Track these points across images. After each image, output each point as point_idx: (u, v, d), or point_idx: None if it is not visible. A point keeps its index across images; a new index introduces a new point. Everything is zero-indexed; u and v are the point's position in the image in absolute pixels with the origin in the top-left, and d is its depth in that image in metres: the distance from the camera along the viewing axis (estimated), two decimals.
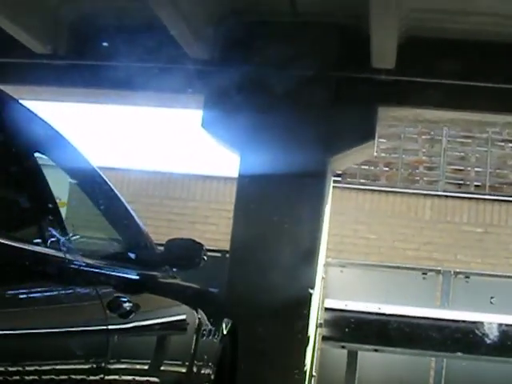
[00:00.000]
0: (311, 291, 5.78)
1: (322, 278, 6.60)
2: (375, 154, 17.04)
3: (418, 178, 15.59)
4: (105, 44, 6.20)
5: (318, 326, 6.18)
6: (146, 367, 2.77)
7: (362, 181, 13.39)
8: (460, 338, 5.60)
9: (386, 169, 15.58)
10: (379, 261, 8.13)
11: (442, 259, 8.75)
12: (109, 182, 3.28)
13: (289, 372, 5.73)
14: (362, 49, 5.59)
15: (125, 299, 2.53)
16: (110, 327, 2.32)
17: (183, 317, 3.35)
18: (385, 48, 5.51)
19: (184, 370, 3.33)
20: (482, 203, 9.51)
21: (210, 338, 3.80)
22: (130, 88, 6.37)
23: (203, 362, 3.66)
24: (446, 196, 9.66)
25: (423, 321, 5.79)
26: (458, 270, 6.72)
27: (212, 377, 3.80)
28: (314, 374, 6.41)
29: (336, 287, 6.62)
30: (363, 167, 15.76)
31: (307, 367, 5.93)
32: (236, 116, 5.93)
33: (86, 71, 6.38)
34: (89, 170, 3.10)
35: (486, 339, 5.52)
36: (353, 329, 5.78)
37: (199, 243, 3.26)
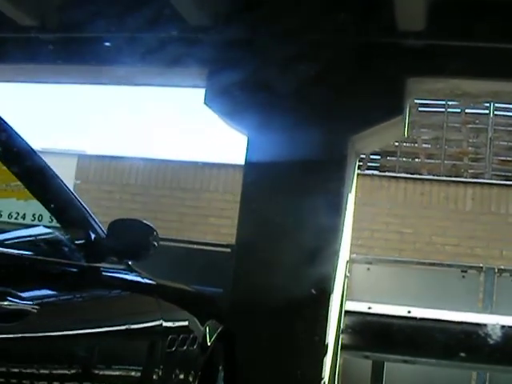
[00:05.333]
0: (330, 291, 5.04)
1: (346, 276, 5.83)
2: (416, 144, 16.11)
3: (462, 170, 14.69)
4: (99, 15, 5.59)
5: (341, 332, 5.43)
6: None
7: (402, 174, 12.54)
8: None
9: (428, 161, 14.71)
10: (414, 258, 7.34)
11: (485, 255, 8.01)
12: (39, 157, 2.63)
13: None
14: (385, 8, 4.81)
15: (15, 298, 1.83)
16: None
17: (133, 321, 2.62)
18: (412, 6, 4.71)
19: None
20: None
21: (186, 345, 3.15)
22: (128, 63, 5.73)
23: (174, 373, 3.05)
24: (490, 184, 8.81)
25: (462, 327, 5.03)
26: (502, 268, 5.91)
27: None
28: None
29: (361, 287, 5.86)
30: (404, 159, 14.96)
31: (326, 379, 5.19)
32: (242, 90, 5.25)
33: (80, 46, 5.79)
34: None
35: None
36: (378, 336, 5.09)
37: (149, 225, 2.54)
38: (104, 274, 2.56)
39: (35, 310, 1.90)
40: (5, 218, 7.78)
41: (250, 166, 5.33)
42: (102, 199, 8.47)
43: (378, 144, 6.50)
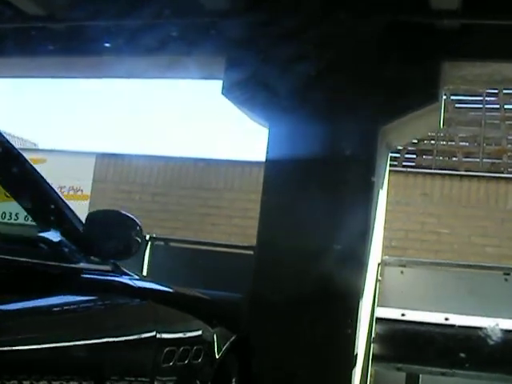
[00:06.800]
0: (359, 296, 4.67)
1: (377, 280, 5.46)
2: (453, 142, 15.54)
3: (501, 169, 14.18)
4: (110, 3, 5.34)
5: (372, 341, 5.06)
6: None
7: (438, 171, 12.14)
8: None
9: (466, 159, 14.24)
10: (452, 260, 6.98)
11: None
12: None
13: None
14: None
15: None
16: None
17: (115, 334, 2.25)
18: None
19: None
20: None
21: (189, 358, 2.79)
22: (140, 53, 5.46)
23: None
24: None
25: (507, 335, 4.64)
26: None
27: None
28: None
29: (394, 292, 5.50)
30: (440, 158, 14.50)
31: None
32: (263, 79, 4.93)
33: (89, 35, 5.52)
34: None
35: None
36: (412, 345, 4.76)
37: (131, 218, 2.19)
38: (84, 276, 2.20)
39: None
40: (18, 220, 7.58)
41: (270, 161, 5.02)
42: (121, 199, 8.24)
43: (412, 136, 6.11)
